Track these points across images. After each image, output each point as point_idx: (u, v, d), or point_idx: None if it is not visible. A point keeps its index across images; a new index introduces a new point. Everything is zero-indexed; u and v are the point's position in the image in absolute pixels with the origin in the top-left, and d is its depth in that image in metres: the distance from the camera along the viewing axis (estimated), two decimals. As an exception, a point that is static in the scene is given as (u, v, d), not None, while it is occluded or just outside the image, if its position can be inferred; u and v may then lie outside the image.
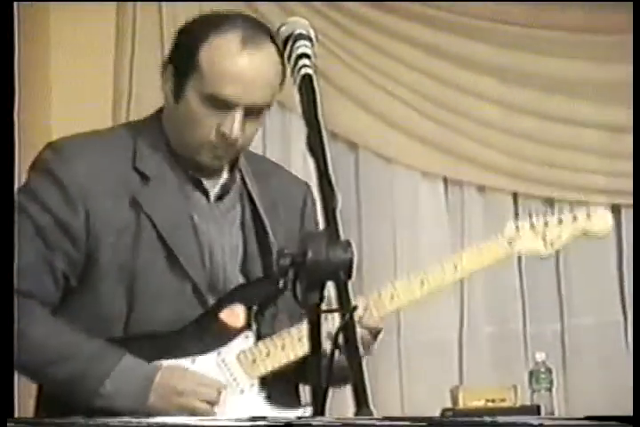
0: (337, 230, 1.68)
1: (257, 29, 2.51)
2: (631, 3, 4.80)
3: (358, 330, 2.01)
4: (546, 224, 2.62)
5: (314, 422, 1.86)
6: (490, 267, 2.63)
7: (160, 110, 2.57)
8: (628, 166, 5.31)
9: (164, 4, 4.97)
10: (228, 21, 2.52)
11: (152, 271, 2.42)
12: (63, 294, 2.47)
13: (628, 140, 5.40)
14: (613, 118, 5.51)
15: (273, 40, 2.43)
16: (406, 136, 5.30)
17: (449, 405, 4.66)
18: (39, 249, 2.42)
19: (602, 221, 2.69)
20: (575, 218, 2.65)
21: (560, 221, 2.64)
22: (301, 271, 1.68)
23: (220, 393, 2.39)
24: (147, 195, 2.47)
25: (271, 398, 2.44)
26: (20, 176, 2.73)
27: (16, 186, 2.64)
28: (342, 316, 1.68)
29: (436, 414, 4.60)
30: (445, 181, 5.43)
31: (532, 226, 2.62)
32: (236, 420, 2.27)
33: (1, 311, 2.46)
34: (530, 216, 2.66)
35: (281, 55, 2.34)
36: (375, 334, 2.49)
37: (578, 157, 5.36)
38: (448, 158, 5.34)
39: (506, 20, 5.40)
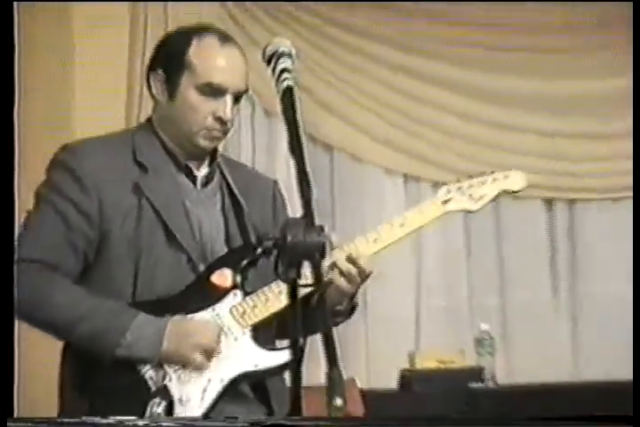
0: (312, 218, 1.68)
1: (224, 33, 2.58)
2: (631, 3, 4.48)
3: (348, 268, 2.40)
4: (471, 186, 2.60)
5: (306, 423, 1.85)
6: (428, 224, 2.59)
7: (149, 119, 2.58)
8: (560, 165, 5.46)
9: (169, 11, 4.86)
10: (203, 29, 2.58)
11: (153, 246, 2.42)
12: (83, 267, 2.45)
13: (562, 143, 5.52)
14: (554, 126, 5.53)
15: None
16: (373, 140, 5.33)
17: (407, 366, 4.68)
18: (62, 231, 2.42)
19: (517, 180, 2.66)
20: (495, 179, 2.63)
21: (483, 182, 2.61)
22: (282, 252, 1.68)
23: (220, 333, 2.40)
24: (146, 183, 2.47)
25: (259, 344, 2.42)
26: (20, 176, 2.73)
27: (16, 187, 2.64)
28: (316, 289, 1.67)
29: (396, 373, 4.66)
30: (405, 177, 5.42)
31: (460, 188, 2.60)
32: (235, 420, 2.26)
33: (1, 312, 2.48)
34: (458, 180, 2.64)
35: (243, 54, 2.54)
36: (365, 277, 2.47)
37: (519, 158, 5.33)
38: (407, 158, 5.37)
39: (467, 43, 5.41)
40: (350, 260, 2.43)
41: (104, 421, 2.12)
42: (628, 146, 5.22)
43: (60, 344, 2.88)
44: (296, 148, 1.77)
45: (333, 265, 2.43)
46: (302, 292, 1.72)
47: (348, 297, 2.49)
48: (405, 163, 5.39)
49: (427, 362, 4.71)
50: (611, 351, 5.26)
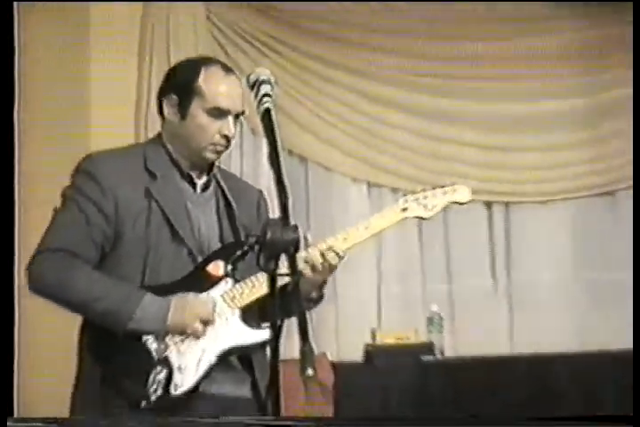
0: (288, 219, 1.74)
1: (225, 64, 2.60)
2: (631, 3, 4.18)
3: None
4: (425, 197, 2.63)
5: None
6: (389, 227, 2.64)
7: (159, 135, 2.57)
8: (497, 174, 5.48)
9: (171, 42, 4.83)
10: (208, 60, 2.61)
11: (160, 243, 2.42)
12: (100, 258, 2.45)
13: (499, 156, 5.53)
14: (492, 141, 5.56)
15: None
16: (342, 153, 5.35)
17: (370, 342, 4.72)
18: (83, 226, 2.42)
19: (464, 193, 2.71)
20: (445, 192, 2.66)
21: (435, 194, 2.64)
22: (263, 247, 1.75)
23: (214, 307, 2.41)
24: (155, 188, 2.47)
25: (245, 323, 2.43)
26: (20, 176, 2.78)
27: (16, 186, 2.75)
28: (292, 278, 1.78)
29: (361, 347, 4.70)
30: (369, 184, 5.43)
31: (417, 199, 2.63)
32: (234, 421, 2.28)
33: (1, 313, 2.57)
34: (414, 193, 2.70)
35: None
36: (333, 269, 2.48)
37: (462, 167, 5.38)
38: (370, 169, 5.40)
39: (418, 73, 5.41)
40: (322, 255, 2.45)
41: (104, 421, 2.13)
42: (556, 156, 5.41)
43: (58, 344, 2.94)
44: (274, 160, 1.81)
45: (307, 259, 2.45)
46: (281, 281, 1.78)
47: (318, 287, 2.52)
48: (369, 172, 5.41)
49: (386, 338, 4.72)
50: (541, 328, 5.33)
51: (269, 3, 5.02)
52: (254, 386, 2.51)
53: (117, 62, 4.74)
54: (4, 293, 2.73)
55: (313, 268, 2.45)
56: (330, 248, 2.46)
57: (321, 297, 2.57)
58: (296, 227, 1.75)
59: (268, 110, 1.95)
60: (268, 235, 1.72)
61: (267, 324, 2.34)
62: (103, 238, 2.44)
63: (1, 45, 2.71)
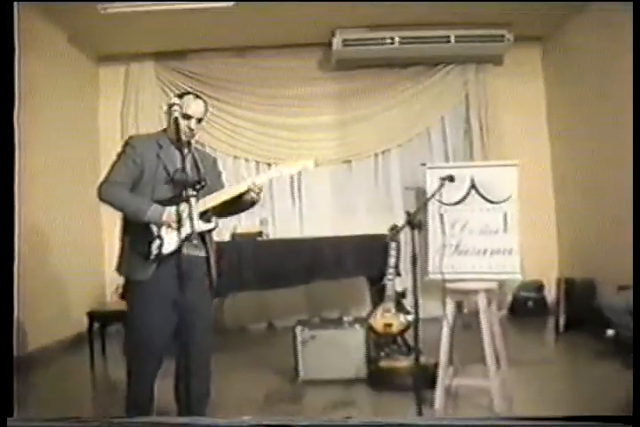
0: (200, 171, 3.85)
1: (196, 94, 3.94)
2: (631, 3, 4.22)
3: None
4: (265, 169, 4.34)
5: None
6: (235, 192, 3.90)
7: (164, 129, 3.89)
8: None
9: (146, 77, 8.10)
10: (187, 93, 3.96)
11: (160, 179, 3.74)
12: (132, 186, 3.75)
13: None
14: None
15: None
16: (223, 141, 8.16)
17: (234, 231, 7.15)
18: (124, 169, 3.76)
19: (298, 166, 3.90)
20: (283, 165, 3.94)
21: (280, 167, 3.94)
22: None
23: (184, 213, 3.62)
24: (161, 153, 3.77)
25: (202, 219, 3.80)
26: (21, 176, 3.42)
27: (16, 186, 3.17)
28: (242, 194, 3.92)
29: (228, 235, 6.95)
30: (247, 161, 8.21)
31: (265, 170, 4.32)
32: (233, 421, 2.64)
33: (1, 314, 2.82)
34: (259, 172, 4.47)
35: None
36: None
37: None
38: (234, 148, 8.24)
39: (258, 103, 8.43)
40: (254, 185, 3.85)
41: (103, 421, 2.38)
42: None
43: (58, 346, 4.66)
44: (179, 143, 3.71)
45: (249, 186, 3.85)
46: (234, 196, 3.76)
47: (252, 200, 3.91)
48: (250, 155, 8.18)
49: (241, 230, 6.96)
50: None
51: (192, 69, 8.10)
52: (207, 251, 3.95)
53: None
54: (3, 297, 2.96)
55: (250, 190, 3.84)
56: (254, 184, 3.86)
57: (254, 203, 3.92)
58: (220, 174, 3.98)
59: (176, 118, 3.67)
60: (208, 181, 3.72)
61: (214, 221, 3.87)
62: (134, 176, 3.75)
63: (1, 45, 3.02)
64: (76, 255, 6.98)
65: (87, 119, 7.85)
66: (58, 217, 6.64)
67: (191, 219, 3.61)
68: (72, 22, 6.67)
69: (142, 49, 7.91)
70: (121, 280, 3.81)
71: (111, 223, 7.59)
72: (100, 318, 6.23)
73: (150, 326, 3.70)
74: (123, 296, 7.03)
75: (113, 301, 7.28)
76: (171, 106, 3.77)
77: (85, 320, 6.17)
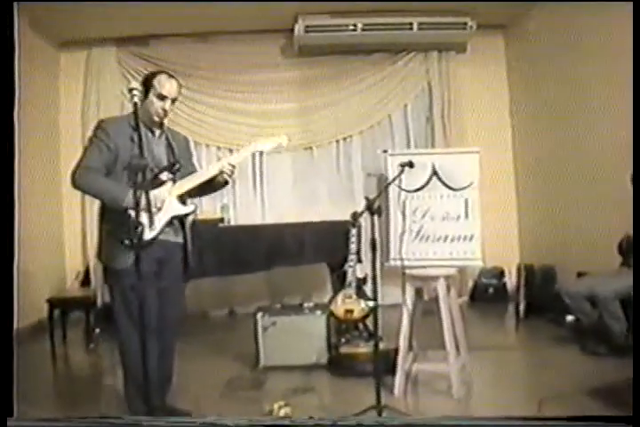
0: (194, 166, 4.11)
1: (170, 74, 3.92)
2: (631, 3, 4.12)
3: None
4: (227, 155, 4.36)
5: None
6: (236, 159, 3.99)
7: (135, 110, 3.48)
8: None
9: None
10: (160, 71, 3.92)
11: (134, 164, 3.45)
12: (107, 171, 3.71)
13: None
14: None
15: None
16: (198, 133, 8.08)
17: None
18: (98, 154, 3.72)
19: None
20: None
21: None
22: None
23: (162, 194, 3.76)
24: (134, 136, 3.59)
25: (179, 202, 3.85)
26: (20, 176, 3.55)
27: (16, 186, 3.45)
28: (215, 176, 3.97)
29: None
30: (218, 148, 8.17)
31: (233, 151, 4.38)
32: (232, 421, 2.67)
33: (1, 314, 2.87)
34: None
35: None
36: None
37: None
38: (215, 141, 8.22)
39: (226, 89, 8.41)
40: (224, 167, 3.89)
41: (103, 420, 2.34)
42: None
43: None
44: (137, 126, 3.46)
45: (222, 167, 3.89)
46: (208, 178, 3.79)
47: (224, 181, 3.94)
48: (210, 141, 8.18)
49: (202, 216, 6.57)
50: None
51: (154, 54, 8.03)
52: (184, 237, 3.98)
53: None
54: (3, 298, 3.11)
55: (222, 173, 3.88)
56: (229, 163, 3.91)
57: (226, 183, 3.95)
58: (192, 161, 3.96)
59: (135, 102, 3.35)
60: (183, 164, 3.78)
61: (192, 204, 3.92)
62: (108, 161, 3.71)
63: (1, 45, 3.09)
64: (36, 242, 6.84)
65: (47, 105, 7.72)
66: (16, 204, 6.33)
67: (170, 202, 3.73)
68: (32, 6, 6.43)
69: (104, 34, 7.84)
70: (81, 267, 3.81)
71: (70, 210, 7.39)
72: (60, 305, 6.19)
73: (137, 312, 3.52)
74: (83, 283, 7.03)
75: (74, 287, 7.16)
76: (146, 83, 3.82)
77: (46, 307, 6.10)
